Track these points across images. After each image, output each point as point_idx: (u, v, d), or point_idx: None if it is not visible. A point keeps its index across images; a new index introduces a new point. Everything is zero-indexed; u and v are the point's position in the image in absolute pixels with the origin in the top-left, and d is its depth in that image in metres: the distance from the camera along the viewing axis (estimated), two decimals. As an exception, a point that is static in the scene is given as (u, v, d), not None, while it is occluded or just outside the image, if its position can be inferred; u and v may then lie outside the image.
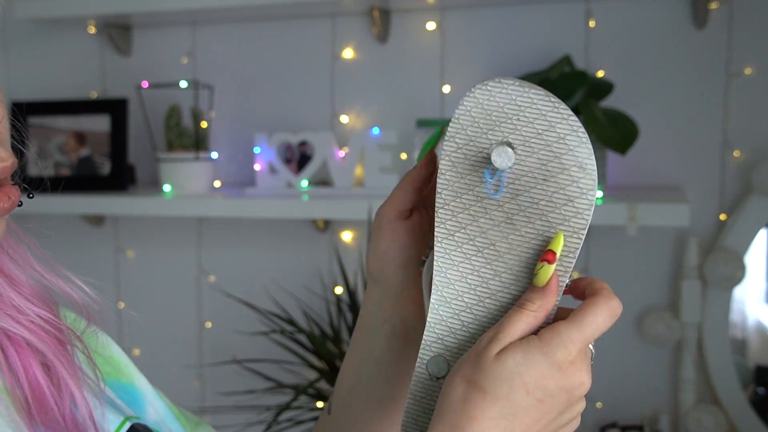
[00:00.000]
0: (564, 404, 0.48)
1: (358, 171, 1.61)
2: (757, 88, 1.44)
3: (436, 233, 0.52)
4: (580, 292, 0.52)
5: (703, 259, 1.47)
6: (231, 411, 1.68)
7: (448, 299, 0.53)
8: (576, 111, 1.39)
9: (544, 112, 0.50)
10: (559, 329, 0.48)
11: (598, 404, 1.57)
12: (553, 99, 0.50)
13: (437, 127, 0.51)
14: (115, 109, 1.72)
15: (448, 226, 0.52)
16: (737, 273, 1.43)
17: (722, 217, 1.48)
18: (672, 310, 1.51)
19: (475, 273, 0.52)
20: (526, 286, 0.51)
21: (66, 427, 0.49)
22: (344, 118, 1.68)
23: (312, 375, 1.65)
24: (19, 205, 0.51)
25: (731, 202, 1.47)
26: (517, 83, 0.50)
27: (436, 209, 0.52)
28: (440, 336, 0.53)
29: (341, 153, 1.57)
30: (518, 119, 0.50)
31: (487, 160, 0.51)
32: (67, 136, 1.74)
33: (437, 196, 0.52)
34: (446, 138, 0.52)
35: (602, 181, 1.41)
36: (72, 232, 1.90)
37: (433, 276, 0.53)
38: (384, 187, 1.52)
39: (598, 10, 1.51)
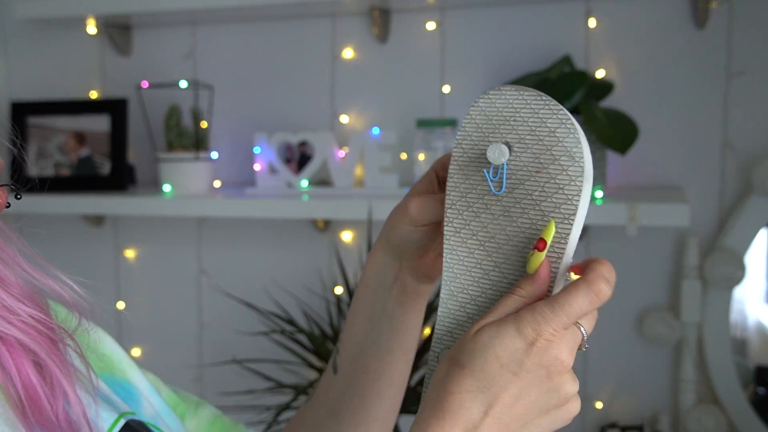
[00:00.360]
0: (544, 382, 0.48)
1: (358, 171, 1.61)
2: (757, 88, 1.44)
3: (444, 231, 0.56)
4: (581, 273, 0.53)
5: (703, 259, 1.47)
6: (231, 411, 1.68)
7: (455, 293, 0.56)
8: (576, 111, 1.39)
9: (536, 110, 0.53)
10: (534, 307, 0.49)
11: (598, 404, 1.57)
12: (544, 97, 0.53)
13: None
14: (115, 109, 1.72)
15: (454, 224, 0.56)
16: (737, 273, 1.43)
17: (722, 217, 1.48)
18: (672, 310, 1.51)
19: (478, 266, 0.55)
20: (523, 274, 0.54)
21: (60, 426, 0.49)
22: (344, 118, 1.68)
23: (312, 375, 1.66)
24: (7, 206, 0.51)
25: (731, 202, 1.47)
26: (513, 88, 0.55)
27: (445, 210, 0.56)
28: (449, 329, 0.56)
29: (341, 153, 1.57)
30: (514, 120, 0.54)
31: (486, 160, 0.54)
32: (67, 136, 1.74)
33: (446, 198, 0.56)
34: (454, 145, 0.56)
35: (602, 181, 1.41)
36: (72, 232, 1.90)
37: (443, 272, 0.57)
38: (384, 187, 1.52)
39: (598, 10, 1.51)
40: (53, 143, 1.75)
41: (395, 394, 0.71)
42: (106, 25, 1.76)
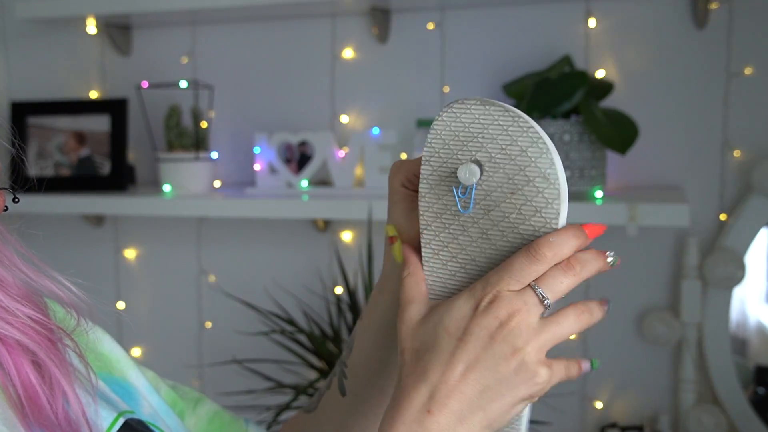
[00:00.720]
0: (486, 342, 0.49)
1: (358, 171, 1.61)
2: (757, 88, 1.44)
3: (423, 254, 0.55)
4: None
5: (703, 259, 1.47)
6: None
7: None
8: (576, 111, 1.39)
9: (505, 128, 0.51)
10: (484, 276, 0.51)
11: (598, 404, 1.57)
12: (512, 113, 0.51)
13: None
14: (115, 109, 1.72)
15: (432, 246, 0.54)
16: (737, 273, 1.43)
17: (722, 217, 1.48)
18: (672, 310, 1.51)
19: (461, 287, 0.54)
20: None
21: (59, 425, 0.49)
22: (344, 118, 1.68)
23: (312, 375, 1.66)
24: (5, 210, 0.52)
25: (731, 202, 1.47)
26: (478, 102, 0.52)
27: (420, 231, 0.55)
28: None
29: (341, 153, 1.57)
30: (483, 137, 0.52)
31: (456, 180, 0.53)
32: (67, 136, 1.74)
33: (420, 218, 0.55)
34: (422, 162, 0.54)
35: (602, 181, 1.41)
36: (72, 232, 1.90)
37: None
38: (384, 187, 1.52)
39: (598, 10, 1.51)
40: (53, 143, 1.75)
41: None
42: (106, 25, 1.76)
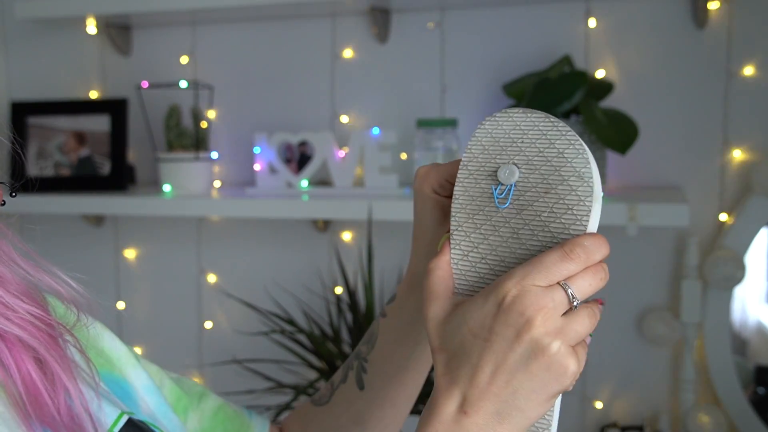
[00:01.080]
0: (512, 341, 0.47)
1: (358, 171, 1.61)
2: (757, 88, 1.44)
3: (452, 255, 0.55)
4: None
5: (703, 259, 1.47)
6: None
7: None
8: (576, 111, 1.39)
9: (544, 132, 0.53)
10: (508, 272, 0.50)
11: (598, 404, 1.57)
12: (552, 119, 0.53)
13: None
14: (115, 109, 1.72)
15: (462, 247, 0.55)
16: (737, 273, 1.43)
17: (722, 217, 1.48)
18: (672, 310, 1.51)
19: None
20: None
21: (62, 422, 0.49)
22: (344, 118, 1.68)
23: (312, 375, 1.66)
24: (2, 204, 0.52)
25: (731, 202, 1.47)
26: (521, 111, 0.54)
27: (450, 232, 0.55)
28: None
29: (341, 153, 1.57)
30: (522, 141, 0.54)
31: (494, 181, 0.54)
32: (67, 136, 1.74)
33: (452, 219, 0.55)
34: (460, 167, 0.56)
35: (602, 181, 1.41)
36: (72, 232, 1.90)
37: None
38: (384, 188, 1.52)
39: (598, 10, 1.51)
40: (53, 143, 1.75)
41: (419, 389, 0.72)
42: (106, 25, 1.76)
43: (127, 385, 0.64)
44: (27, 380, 0.49)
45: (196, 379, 1.84)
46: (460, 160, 0.59)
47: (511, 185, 0.53)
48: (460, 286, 0.54)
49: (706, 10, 1.42)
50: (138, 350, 1.86)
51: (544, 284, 0.48)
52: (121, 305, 1.88)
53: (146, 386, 0.66)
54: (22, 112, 1.76)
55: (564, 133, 0.52)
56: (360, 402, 0.69)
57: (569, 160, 0.52)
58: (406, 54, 1.63)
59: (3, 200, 0.51)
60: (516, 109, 0.55)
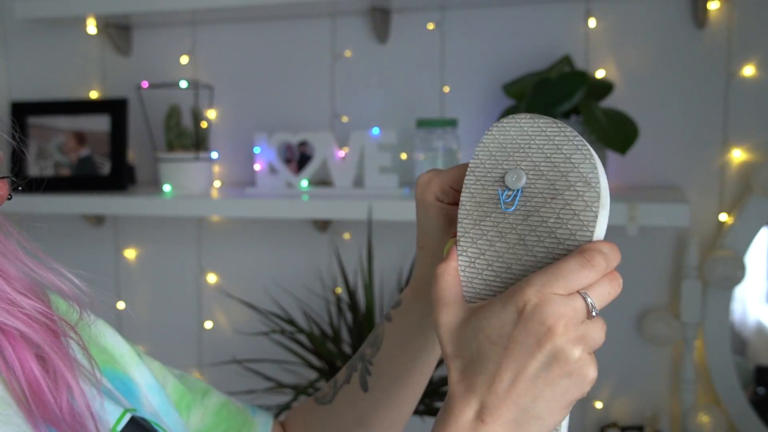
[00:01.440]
0: (536, 350, 0.46)
1: (359, 171, 1.61)
2: (757, 88, 1.44)
3: (459, 262, 0.54)
4: None
5: (703, 259, 1.47)
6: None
7: None
8: (576, 111, 1.39)
9: (551, 137, 0.53)
10: (525, 278, 0.48)
11: (598, 404, 1.57)
12: (559, 124, 0.53)
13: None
14: (115, 109, 1.72)
15: (469, 254, 0.54)
16: (737, 273, 1.43)
17: (722, 217, 1.48)
18: (672, 310, 1.51)
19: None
20: None
21: (64, 419, 0.49)
22: (344, 118, 1.68)
23: (312, 375, 1.65)
24: (9, 198, 0.52)
25: (731, 202, 1.47)
26: (528, 116, 0.54)
27: (457, 238, 0.55)
28: None
29: (341, 153, 1.57)
30: (529, 147, 0.54)
31: (501, 186, 0.54)
32: (67, 136, 1.74)
33: (459, 225, 0.55)
34: (467, 172, 0.55)
35: (602, 181, 1.41)
36: (72, 232, 1.90)
37: None
38: (384, 188, 1.52)
39: (598, 10, 1.51)
40: (53, 143, 1.75)
41: (422, 390, 0.72)
42: (106, 25, 1.76)
43: (130, 382, 0.64)
44: (30, 378, 0.49)
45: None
46: (461, 166, 0.58)
47: (519, 190, 0.53)
48: (466, 293, 0.54)
49: (706, 10, 1.42)
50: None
51: (563, 292, 0.47)
52: (121, 305, 1.88)
53: (149, 384, 0.66)
54: (22, 112, 1.76)
55: (571, 138, 0.52)
56: (363, 403, 0.70)
57: (576, 165, 0.52)
58: (406, 54, 1.63)
59: (10, 194, 0.52)
60: (523, 115, 0.55)
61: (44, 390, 0.49)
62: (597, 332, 0.49)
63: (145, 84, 1.66)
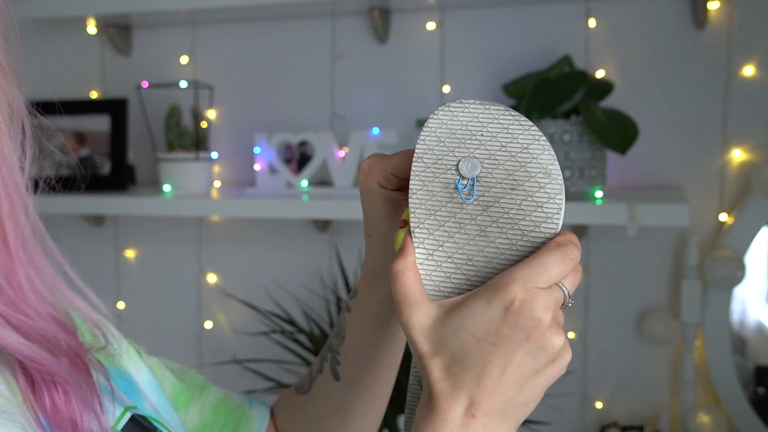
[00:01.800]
0: (526, 344, 0.48)
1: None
2: (757, 88, 1.44)
3: (417, 255, 0.53)
4: None
5: (703, 259, 1.47)
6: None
7: None
8: (576, 111, 1.39)
9: (505, 126, 0.52)
10: (502, 273, 0.49)
11: (598, 404, 1.57)
12: (513, 113, 0.52)
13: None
14: (115, 109, 1.72)
15: (426, 246, 0.53)
16: (737, 273, 1.43)
17: (722, 217, 1.48)
18: (672, 310, 1.51)
19: (456, 290, 0.52)
20: None
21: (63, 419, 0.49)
22: (344, 118, 1.68)
23: (312, 375, 1.65)
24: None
25: (731, 202, 1.47)
26: (478, 102, 0.53)
27: (411, 229, 0.53)
28: None
29: (341, 153, 1.57)
30: (482, 135, 0.52)
31: (455, 174, 0.52)
32: (67, 136, 1.74)
33: (411, 216, 0.53)
34: (414, 159, 0.53)
35: (602, 181, 1.41)
36: (72, 232, 1.89)
37: None
38: (384, 187, 1.52)
39: (598, 10, 1.51)
40: (53, 143, 1.74)
41: (397, 369, 0.72)
42: (106, 25, 1.76)
43: (130, 379, 0.64)
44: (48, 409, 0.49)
45: (196, 379, 1.84)
46: (404, 152, 0.57)
47: (474, 179, 0.52)
48: (426, 287, 0.53)
49: (706, 10, 1.42)
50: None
51: (545, 286, 0.48)
52: (121, 305, 1.88)
53: (148, 382, 0.67)
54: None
55: (527, 128, 0.51)
56: (338, 392, 0.70)
57: (535, 156, 0.51)
58: (406, 54, 1.63)
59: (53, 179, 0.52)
60: (471, 100, 0.53)
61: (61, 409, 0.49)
62: (562, 317, 0.51)
63: (145, 84, 1.66)
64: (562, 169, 1.36)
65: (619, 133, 1.36)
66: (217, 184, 1.77)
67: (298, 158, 1.60)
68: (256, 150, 1.61)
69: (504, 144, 0.52)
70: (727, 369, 1.47)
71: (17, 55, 0.54)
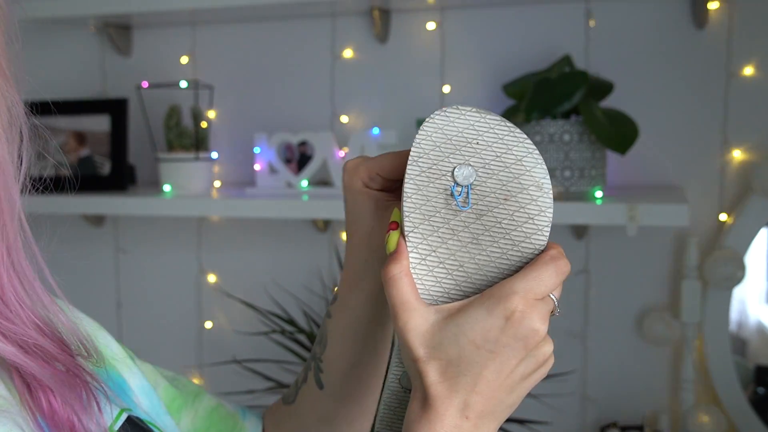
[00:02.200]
0: (521, 352, 0.50)
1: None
2: (757, 88, 1.44)
3: (410, 258, 0.53)
4: None
5: (703, 259, 1.47)
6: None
7: None
8: (576, 111, 1.39)
9: (501, 136, 0.53)
10: (501, 283, 0.51)
11: (598, 404, 1.57)
12: (508, 124, 0.53)
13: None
14: (115, 109, 1.72)
15: (420, 250, 0.53)
16: (737, 273, 1.43)
17: (722, 217, 1.48)
18: (672, 310, 1.51)
19: (446, 295, 0.53)
20: None
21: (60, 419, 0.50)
22: (344, 118, 1.68)
23: (312, 375, 1.65)
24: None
25: (731, 202, 1.47)
26: (474, 110, 0.54)
27: (405, 233, 0.53)
28: None
29: (341, 153, 1.57)
30: (477, 143, 0.53)
31: (450, 180, 0.53)
32: (67, 136, 1.74)
33: (405, 219, 0.53)
34: (409, 162, 0.54)
35: (602, 181, 1.41)
36: (72, 232, 1.90)
37: None
38: (384, 187, 1.52)
39: (598, 10, 1.51)
40: (52, 145, 1.74)
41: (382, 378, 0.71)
42: (106, 25, 1.76)
43: (123, 383, 0.64)
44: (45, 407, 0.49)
45: (195, 380, 1.84)
46: (390, 154, 0.58)
47: (468, 187, 0.53)
48: (418, 288, 0.53)
49: (706, 10, 1.42)
50: (136, 350, 1.85)
51: (540, 297, 0.51)
52: (121, 305, 1.88)
53: (141, 386, 0.66)
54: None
55: (522, 140, 0.53)
56: (323, 401, 0.70)
57: (528, 169, 0.53)
58: (406, 54, 1.63)
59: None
60: (469, 108, 0.54)
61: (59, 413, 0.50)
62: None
63: (145, 84, 1.66)
64: (562, 169, 1.36)
65: (619, 133, 1.36)
66: (217, 184, 1.77)
67: (298, 158, 1.60)
68: (256, 150, 1.61)
69: (499, 154, 0.53)
70: (727, 369, 1.47)
71: (18, 57, 0.54)
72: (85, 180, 1.71)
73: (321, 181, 1.64)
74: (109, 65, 1.85)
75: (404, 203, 0.53)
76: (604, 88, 1.45)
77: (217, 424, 0.74)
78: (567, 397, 1.57)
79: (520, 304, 0.49)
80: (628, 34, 1.50)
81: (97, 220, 1.87)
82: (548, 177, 0.53)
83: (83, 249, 1.89)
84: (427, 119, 0.54)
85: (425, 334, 0.51)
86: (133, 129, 1.78)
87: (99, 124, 1.73)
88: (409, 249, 0.53)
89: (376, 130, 1.54)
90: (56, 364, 0.51)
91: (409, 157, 0.54)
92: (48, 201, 0.60)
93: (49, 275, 0.55)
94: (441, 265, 0.53)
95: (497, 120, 0.53)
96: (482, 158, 0.53)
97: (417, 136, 0.54)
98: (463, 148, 0.53)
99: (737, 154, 1.46)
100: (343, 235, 1.70)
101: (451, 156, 0.53)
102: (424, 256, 0.53)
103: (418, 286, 0.53)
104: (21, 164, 0.53)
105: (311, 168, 1.58)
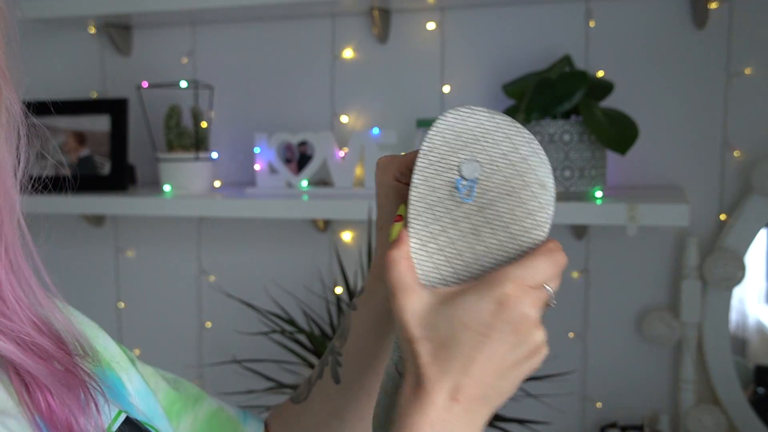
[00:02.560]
0: (512, 337, 0.51)
1: (358, 171, 1.61)
2: (757, 88, 1.44)
3: (411, 243, 0.55)
4: None
5: (703, 259, 1.47)
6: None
7: None
8: (576, 111, 1.39)
9: (509, 135, 0.55)
10: (497, 270, 0.52)
11: (598, 404, 1.57)
12: (517, 124, 0.56)
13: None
14: (115, 109, 1.72)
15: (421, 236, 0.55)
16: (737, 273, 1.43)
17: (722, 217, 1.48)
18: (672, 310, 1.51)
19: (443, 282, 0.55)
20: None
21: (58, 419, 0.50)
22: (344, 118, 1.68)
23: (312, 375, 1.65)
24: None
25: (731, 202, 1.47)
26: (485, 110, 0.56)
27: (409, 220, 0.55)
28: None
29: (341, 153, 1.57)
30: (486, 140, 0.56)
31: (457, 174, 0.55)
32: (67, 136, 1.74)
33: (410, 207, 0.56)
34: (420, 155, 0.56)
35: (602, 181, 1.41)
36: (72, 232, 1.90)
37: None
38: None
39: (598, 10, 1.51)
40: (51, 145, 1.74)
41: None
42: (106, 25, 1.76)
43: (120, 386, 0.64)
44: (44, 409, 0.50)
45: (196, 381, 1.84)
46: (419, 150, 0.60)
47: (474, 180, 0.55)
48: (418, 275, 0.55)
49: (706, 10, 1.42)
50: (138, 350, 1.86)
51: (534, 285, 0.52)
52: (121, 305, 1.88)
53: (139, 390, 0.66)
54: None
55: (529, 140, 0.55)
56: (337, 396, 0.70)
57: (533, 168, 0.55)
58: (406, 54, 1.63)
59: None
60: (480, 108, 0.56)
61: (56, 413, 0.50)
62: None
63: (145, 84, 1.66)
64: (562, 169, 1.36)
65: (619, 133, 1.36)
66: (217, 184, 1.77)
67: (298, 158, 1.61)
68: (256, 150, 1.61)
69: (505, 152, 0.55)
70: (727, 369, 1.47)
71: (17, 58, 0.54)
72: (85, 180, 1.71)
73: (321, 181, 1.64)
74: (109, 65, 1.85)
75: (411, 192, 0.56)
76: (604, 88, 1.45)
77: (217, 428, 0.74)
78: (567, 397, 1.57)
79: (513, 290, 0.50)
80: (628, 34, 1.50)
81: (97, 220, 1.87)
82: (552, 177, 0.55)
83: (83, 249, 1.90)
84: (440, 117, 0.57)
85: (420, 315, 0.52)
86: (133, 129, 1.78)
87: (99, 124, 1.73)
88: (411, 235, 0.55)
89: (376, 130, 1.54)
90: (54, 363, 0.51)
91: (420, 151, 0.56)
92: (48, 201, 0.60)
93: (45, 274, 0.55)
94: (440, 253, 0.55)
95: (507, 120, 0.56)
96: (489, 155, 0.55)
97: (429, 131, 0.56)
98: (472, 145, 0.55)
99: (737, 154, 1.46)
100: (343, 235, 1.70)
101: (460, 151, 0.56)
102: (425, 243, 0.55)
103: (417, 270, 0.55)
104: (19, 164, 0.53)
105: (311, 168, 1.58)
